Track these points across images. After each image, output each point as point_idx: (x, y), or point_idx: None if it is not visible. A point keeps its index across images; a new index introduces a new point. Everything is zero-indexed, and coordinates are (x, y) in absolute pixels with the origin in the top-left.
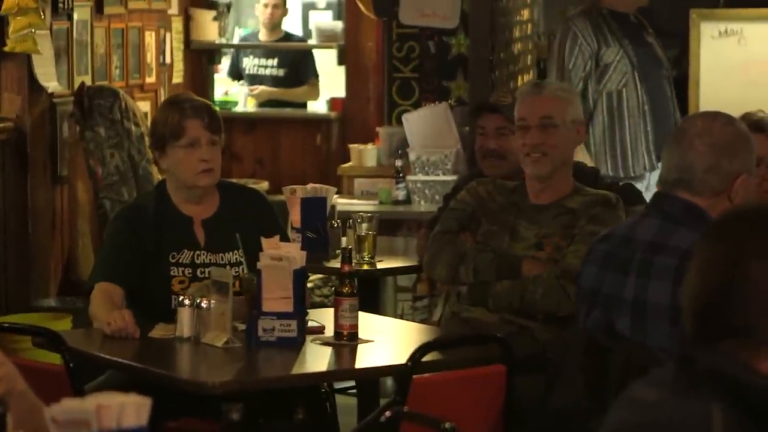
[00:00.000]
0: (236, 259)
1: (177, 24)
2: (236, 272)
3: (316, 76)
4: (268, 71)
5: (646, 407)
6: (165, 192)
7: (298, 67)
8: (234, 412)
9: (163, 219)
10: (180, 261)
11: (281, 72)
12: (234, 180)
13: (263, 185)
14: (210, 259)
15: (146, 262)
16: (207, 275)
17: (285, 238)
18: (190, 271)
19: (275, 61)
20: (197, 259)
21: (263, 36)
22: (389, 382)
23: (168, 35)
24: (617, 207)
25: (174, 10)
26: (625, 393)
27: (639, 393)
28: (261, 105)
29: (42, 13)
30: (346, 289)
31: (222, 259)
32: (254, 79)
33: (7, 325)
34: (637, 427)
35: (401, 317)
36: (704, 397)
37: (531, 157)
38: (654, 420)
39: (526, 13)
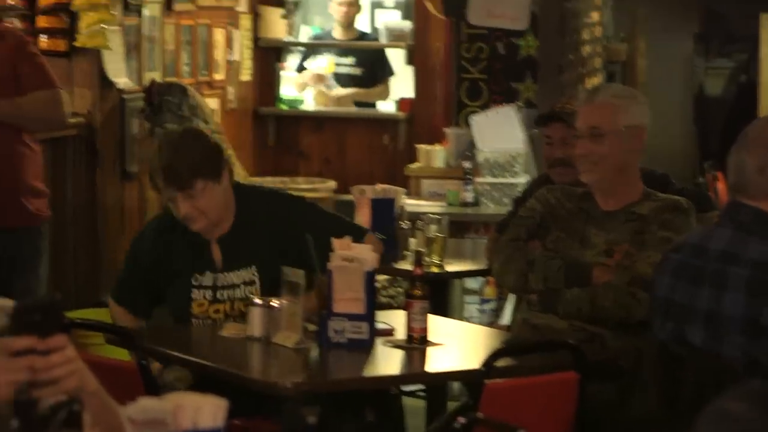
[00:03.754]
0: (250, 278)
1: (245, 21)
2: (250, 292)
3: (391, 74)
4: (344, 69)
5: (738, 421)
6: None
7: (374, 65)
8: (311, 415)
9: (185, 238)
10: (202, 284)
11: (359, 71)
12: (301, 178)
13: (330, 184)
14: (228, 281)
15: (171, 278)
16: (225, 297)
17: (331, 224)
18: (211, 293)
19: (352, 60)
20: (217, 281)
21: (338, 34)
22: (456, 384)
23: (236, 32)
24: (688, 212)
25: (243, 7)
26: (713, 406)
27: (730, 406)
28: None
29: (112, 10)
30: (417, 292)
31: (237, 278)
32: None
33: (79, 321)
34: None
35: (468, 320)
36: None
37: (583, 166)
38: None
39: (595, 16)
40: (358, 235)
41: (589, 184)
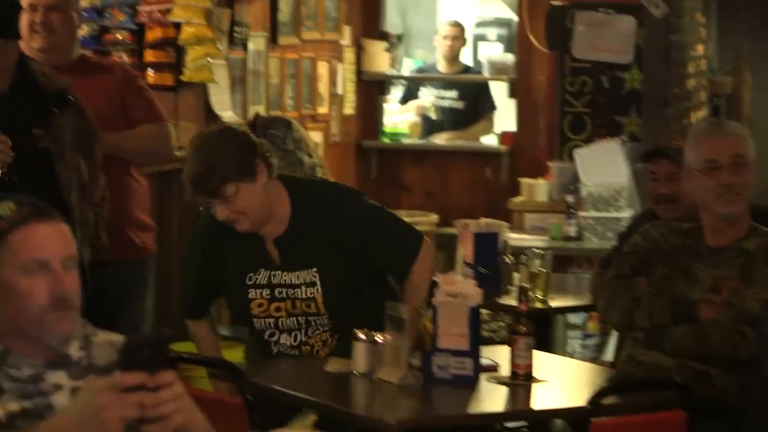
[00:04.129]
0: (310, 279)
1: (349, 55)
2: (311, 293)
3: (494, 109)
4: (447, 103)
5: None
6: None
7: (477, 99)
8: None
9: (237, 238)
10: (258, 282)
11: (461, 104)
12: (403, 211)
13: (432, 218)
14: (286, 279)
15: (226, 280)
16: (285, 295)
17: (386, 228)
18: (268, 292)
19: (455, 93)
20: (273, 279)
21: (442, 67)
22: (558, 421)
23: (340, 66)
24: None
25: (346, 41)
26: None
27: None
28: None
29: (218, 44)
30: (521, 328)
31: (298, 279)
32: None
33: (185, 355)
34: None
35: (572, 355)
36: None
37: (725, 198)
38: None
39: (700, 49)
40: (412, 246)
41: (725, 216)
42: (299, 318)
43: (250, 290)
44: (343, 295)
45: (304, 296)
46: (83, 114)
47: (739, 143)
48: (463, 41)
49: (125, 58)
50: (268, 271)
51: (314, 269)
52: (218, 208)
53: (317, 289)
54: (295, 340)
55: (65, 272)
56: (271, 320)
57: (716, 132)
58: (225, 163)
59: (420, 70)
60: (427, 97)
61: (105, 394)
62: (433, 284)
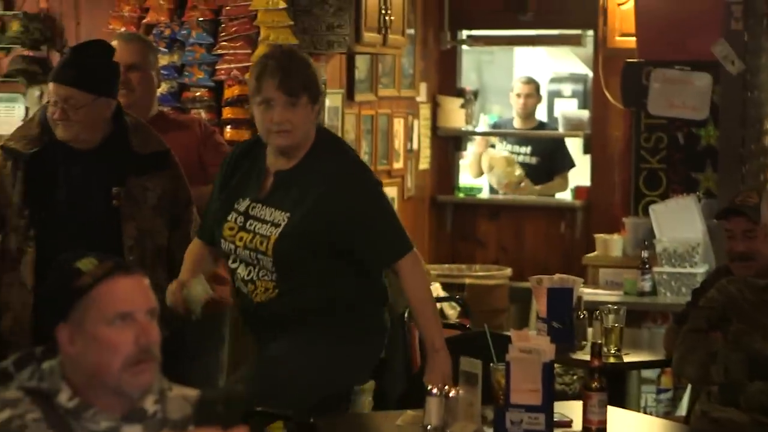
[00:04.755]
0: (278, 220)
1: (425, 111)
2: (269, 232)
3: (572, 166)
4: (521, 158)
5: None
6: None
7: (552, 156)
8: None
9: (251, 163)
10: (238, 208)
11: (534, 160)
12: (477, 266)
13: (506, 272)
14: (261, 214)
15: (223, 199)
16: (252, 228)
17: (382, 220)
18: (242, 220)
19: (528, 149)
20: (252, 210)
21: (517, 124)
22: None
23: (416, 122)
24: None
25: (422, 97)
26: None
27: None
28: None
29: None
30: (595, 384)
31: (270, 216)
32: None
33: (260, 410)
34: None
35: (645, 410)
36: None
37: None
38: None
39: None
40: (400, 247)
41: None
42: (251, 253)
43: (230, 213)
44: (297, 252)
45: (263, 233)
46: (179, 182)
47: None
48: (538, 98)
49: (204, 114)
50: (251, 202)
51: (288, 214)
52: (282, 110)
53: (277, 232)
54: (248, 275)
55: (149, 323)
56: (233, 246)
57: None
58: (310, 76)
59: (494, 126)
60: (500, 151)
61: None
62: (506, 340)
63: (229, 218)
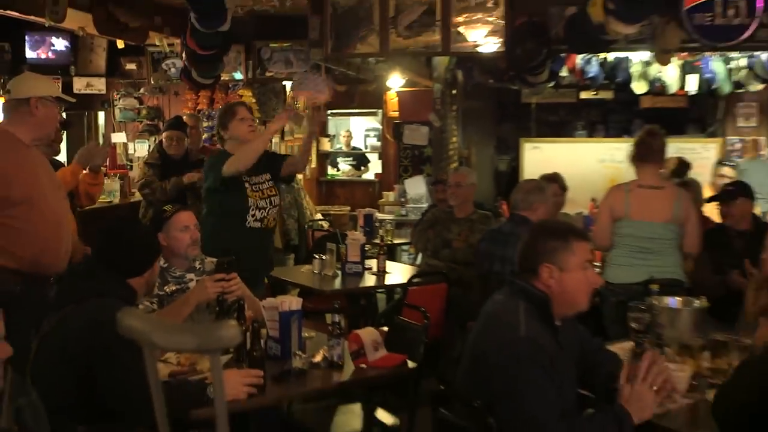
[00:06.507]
0: (266, 180)
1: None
2: (271, 184)
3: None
4: (349, 163)
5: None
6: None
7: (362, 160)
8: None
9: None
10: (249, 180)
11: (356, 162)
12: None
13: (346, 209)
14: (256, 180)
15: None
16: (258, 189)
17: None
18: (249, 185)
19: (355, 161)
20: (251, 181)
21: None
22: None
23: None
24: None
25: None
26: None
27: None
28: None
29: None
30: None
31: (261, 179)
32: None
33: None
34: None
35: None
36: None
37: None
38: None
39: None
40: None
41: None
42: (266, 200)
43: (245, 182)
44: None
45: (267, 186)
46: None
47: None
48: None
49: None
50: (251, 176)
51: (267, 174)
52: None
53: (272, 183)
54: (263, 214)
55: (195, 229)
56: (253, 200)
57: None
58: None
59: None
60: None
61: (208, 281)
62: None
63: (246, 185)
